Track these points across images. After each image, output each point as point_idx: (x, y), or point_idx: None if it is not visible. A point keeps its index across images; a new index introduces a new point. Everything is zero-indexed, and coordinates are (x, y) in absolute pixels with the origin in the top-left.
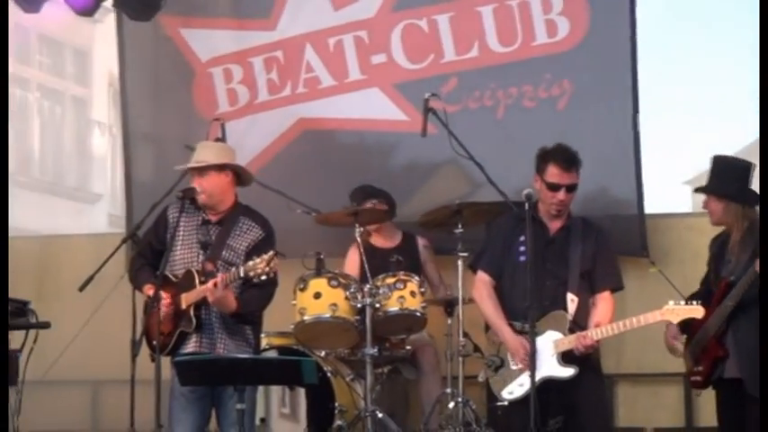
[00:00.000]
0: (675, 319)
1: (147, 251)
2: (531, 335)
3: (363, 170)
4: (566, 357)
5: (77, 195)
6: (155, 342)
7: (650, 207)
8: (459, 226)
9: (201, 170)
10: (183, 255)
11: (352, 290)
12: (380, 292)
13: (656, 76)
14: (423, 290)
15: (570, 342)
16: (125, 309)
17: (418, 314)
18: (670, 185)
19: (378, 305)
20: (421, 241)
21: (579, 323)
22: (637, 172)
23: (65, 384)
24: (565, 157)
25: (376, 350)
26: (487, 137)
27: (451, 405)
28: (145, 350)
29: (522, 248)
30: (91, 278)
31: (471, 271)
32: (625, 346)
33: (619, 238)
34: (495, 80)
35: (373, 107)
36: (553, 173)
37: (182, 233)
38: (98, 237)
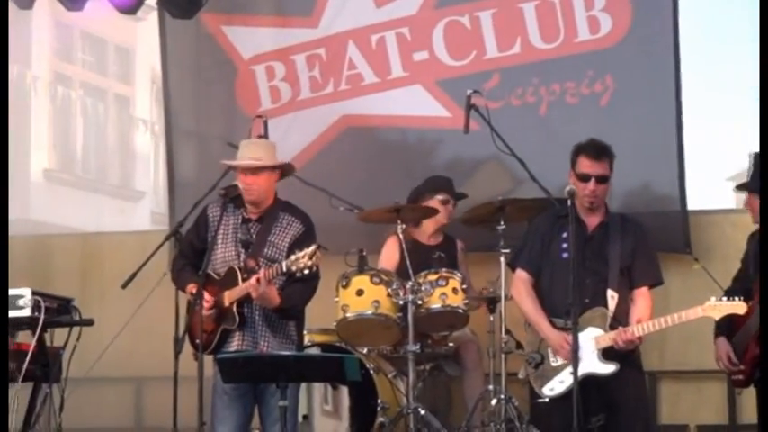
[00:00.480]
0: (717, 315)
1: (188, 251)
2: (574, 332)
3: (406, 167)
4: (606, 354)
5: (120, 193)
6: (198, 341)
7: (693, 203)
8: (502, 222)
9: (256, 168)
10: (225, 253)
11: (394, 287)
12: (423, 288)
13: (700, 71)
14: (464, 287)
15: (611, 338)
16: (168, 306)
17: (460, 311)
18: (713, 181)
19: (420, 302)
20: (459, 244)
21: (619, 319)
22: (680, 168)
23: (108, 381)
24: (594, 148)
25: (418, 347)
26: (530, 133)
27: (494, 402)
28: (188, 347)
29: (565, 245)
30: (134, 276)
31: (510, 269)
32: (667, 343)
33: (662, 235)
34: (538, 76)
35: (416, 104)
36: (583, 164)
37: (222, 232)
38: (141, 234)
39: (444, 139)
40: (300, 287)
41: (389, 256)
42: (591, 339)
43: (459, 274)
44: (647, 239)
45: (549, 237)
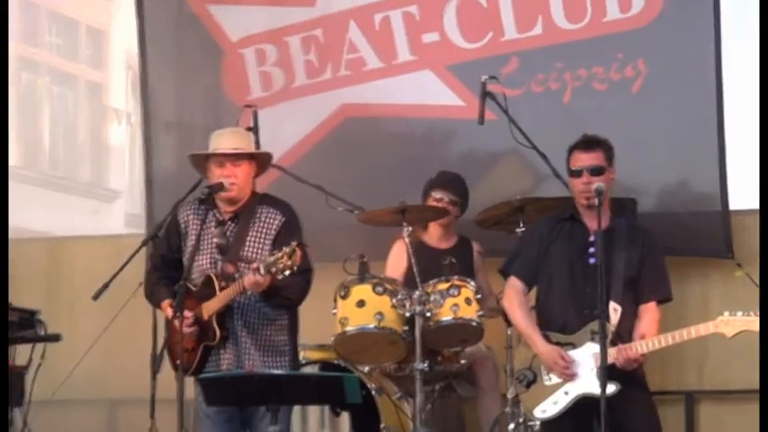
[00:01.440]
0: (730, 332)
1: (159, 263)
2: (602, 345)
3: (414, 162)
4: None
5: (92, 192)
6: (178, 362)
7: (736, 202)
8: (521, 224)
9: (236, 159)
10: (201, 262)
11: (399, 297)
12: (432, 299)
13: (743, 54)
14: (479, 297)
15: (611, 355)
16: (145, 319)
17: (474, 324)
18: (758, 177)
19: (429, 314)
20: (476, 246)
21: (622, 335)
22: (721, 162)
23: (77, 404)
24: (584, 140)
25: (426, 365)
26: (553, 124)
27: (512, 426)
28: (167, 367)
29: (593, 250)
30: (106, 285)
31: (502, 276)
32: (708, 360)
33: (701, 238)
34: (562, 61)
35: (425, 92)
36: (574, 158)
37: (196, 238)
38: (115, 238)
39: (457, 131)
40: (291, 280)
41: (396, 263)
42: (590, 356)
43: (472, 283)
44: (656, 248)
45: (547, 242)
